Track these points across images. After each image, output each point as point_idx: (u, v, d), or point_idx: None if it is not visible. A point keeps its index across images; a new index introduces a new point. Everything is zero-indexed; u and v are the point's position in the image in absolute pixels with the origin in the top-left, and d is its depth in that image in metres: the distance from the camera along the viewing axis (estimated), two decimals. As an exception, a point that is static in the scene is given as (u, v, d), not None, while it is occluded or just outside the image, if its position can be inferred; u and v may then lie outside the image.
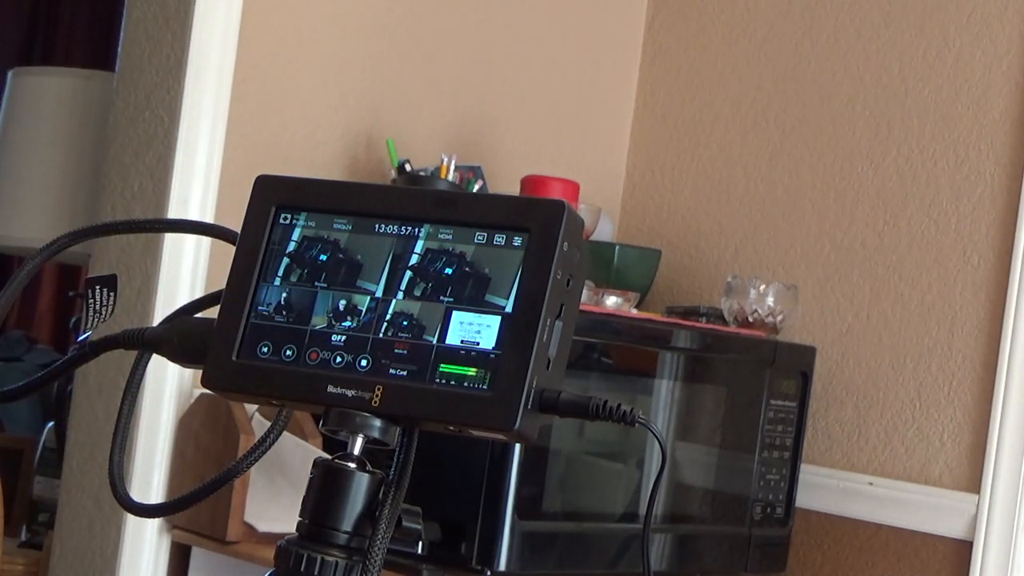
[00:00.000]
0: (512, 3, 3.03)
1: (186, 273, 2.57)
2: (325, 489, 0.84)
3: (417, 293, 0.84)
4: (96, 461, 2.65)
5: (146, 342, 0.92)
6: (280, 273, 0.86)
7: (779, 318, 2.71)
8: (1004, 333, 2.63)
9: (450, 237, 0.85)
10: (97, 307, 0.97)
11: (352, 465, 0.84)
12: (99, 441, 2.64)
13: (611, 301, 2.60)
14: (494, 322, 0.82)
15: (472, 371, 0.81)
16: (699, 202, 3.11)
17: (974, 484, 2.65)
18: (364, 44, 2.80)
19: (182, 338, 0.90)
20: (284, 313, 0.86)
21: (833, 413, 2.84)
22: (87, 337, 0.96)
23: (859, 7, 2.92)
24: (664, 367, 2.55)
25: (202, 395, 2.55)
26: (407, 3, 2.86)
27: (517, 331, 0.81)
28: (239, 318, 0.86)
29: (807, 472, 2.76)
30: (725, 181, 3.08)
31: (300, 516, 0.85)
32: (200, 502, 0.96)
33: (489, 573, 2.26)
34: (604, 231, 2.96)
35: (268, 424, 0.98)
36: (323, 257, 0.86)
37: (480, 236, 0.84)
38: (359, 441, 0.84)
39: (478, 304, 0.83)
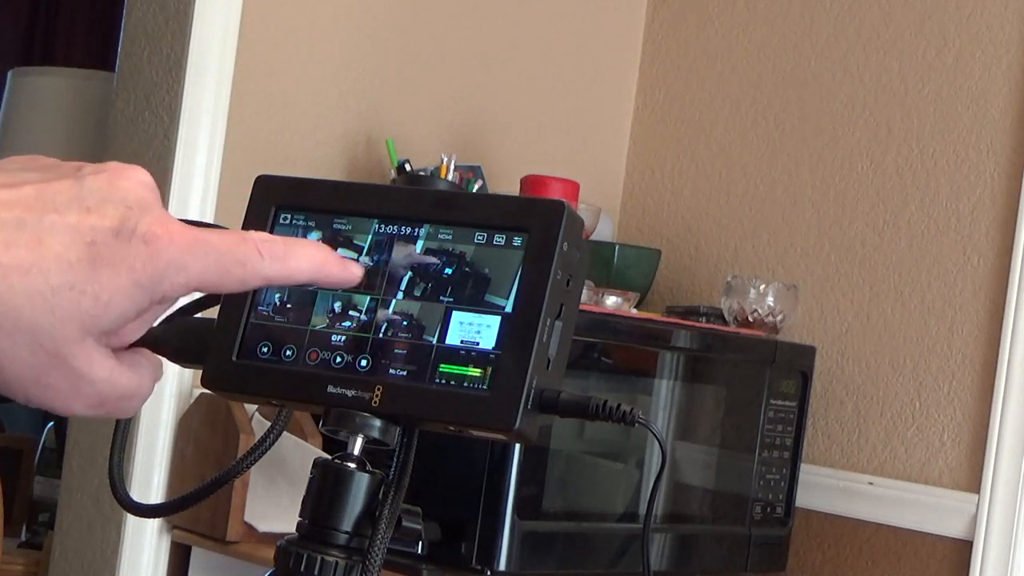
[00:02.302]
0: (512, 3, 3.03)
1: (186, 273, 2.57)
2: (325, 489, 0.84)
3: (417, 293, 0.84)
4: (96, 461, 2.65)
5: (145, 342, 0.92)
6: None
7: (779, 318, 2.71)
8: (1004, 333, 2.63)
9: (450, 237, 0.84)
10: (97, 307, 0.96)
11: (352, 465, 0.84)
12: (99, 441, 2.65)
13: (611, 301, 2.60)
14: (494, 322, 0.82)
15: (472, 371, 0.81)
16: (699, 202, 3.11)
17: (974, 484, 2.65)
18: (364, 44, 2.80)
19: (182, 338, 0.90)
20: (284, 313, 0.86)
21: (833, 413, 2.84)
22: (87, 337, 0.95)
23: (859, 7, 2.92)
24: (664, 367, 2.55)
25: (202, 395, 2.55)
26: (407, 3, 2.86)
27: (517, 331, 0.81)
28: (239, 318, 0.86)
29: (807, 472, 2.76)
30: (725, 181, 3.08)
31: (300, 516, 0.85)
32: (200, 502, 0.96)
33: (489, 573, 2.26)
34: (604, 231, 2.96)
35: (268, 424, 0.98)
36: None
37: (480, 236, 0.84)
38: (359, 441, 0.84)
39: (478, 304, 0.83)
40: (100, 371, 0.63)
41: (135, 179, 0.64)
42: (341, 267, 0.68)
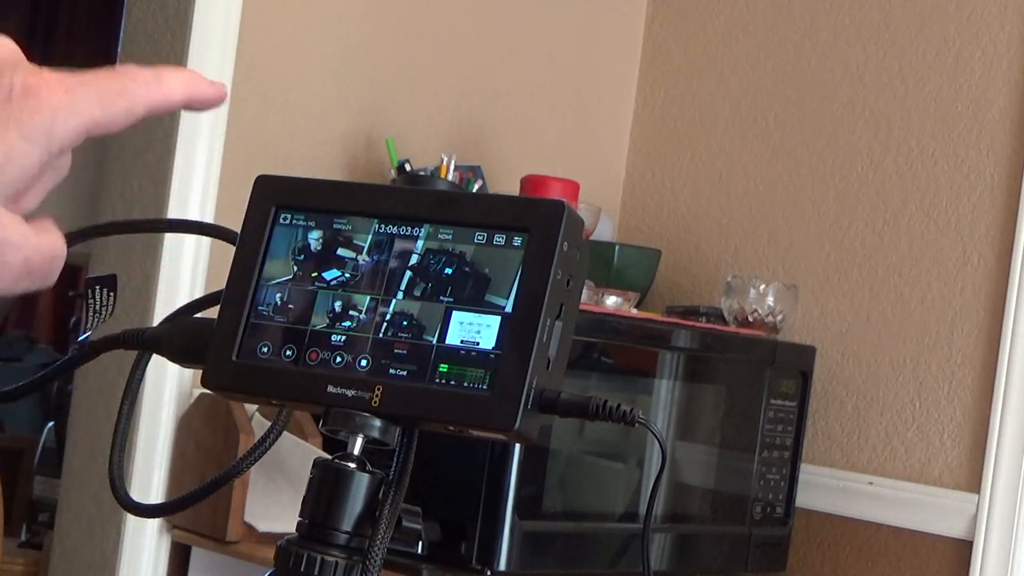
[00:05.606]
0: (512, 3, 3.03)
1: (186, 273, 2.57)
2: (325, 489, 0.84)
3: (417, 293, 0.84)
4: (96, 461, 2.65)
5: (146, 342, 0.92)
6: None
7: (779, 318, 2.71)
8: (1004, 333, 2.63)
9: (450, 237, 0.84)
10: (97, 307, 0.97)
11: (352, 465, 0.84)
12: (99, 441, 2.65)
13: (611, 301, 2.60)
14: (494, 322, 0.82)
15: (472, 371, 0.81)
16: (699, 202, 3.11)
17: (974, 484, 2.65)
18: (364, 44, 2.80)
19: (182, 338, 0.90)
20: (284, 313, 0.86)
21: (833, 413, 2.84)
22: (87, 337, 0.96)
23: (859, 7, 2.92)
24: (664, 367, 2.55)
25: (202, 395, 2.55)
26: (407, 3, 2.86)
27: (517, 331, 0.81)
28: (239, 318, 0.86)
29: (807, 472, 2.76)
30: (725, 181, 3.08)
31: (300, 516, 0.85)
32: (200, 502, 0.96)
33: (489, 573, 2.26)
34: (604, 231, 2.96)
35: (268, 424, 0.98)
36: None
37: (480, 236, 0.84)
38: (359, 441, 0.84)
39: (478, 304, 0.83)
40: (17, 233, 0.63)
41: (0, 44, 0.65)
42: (209, 85, 0.70)
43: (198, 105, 0.71)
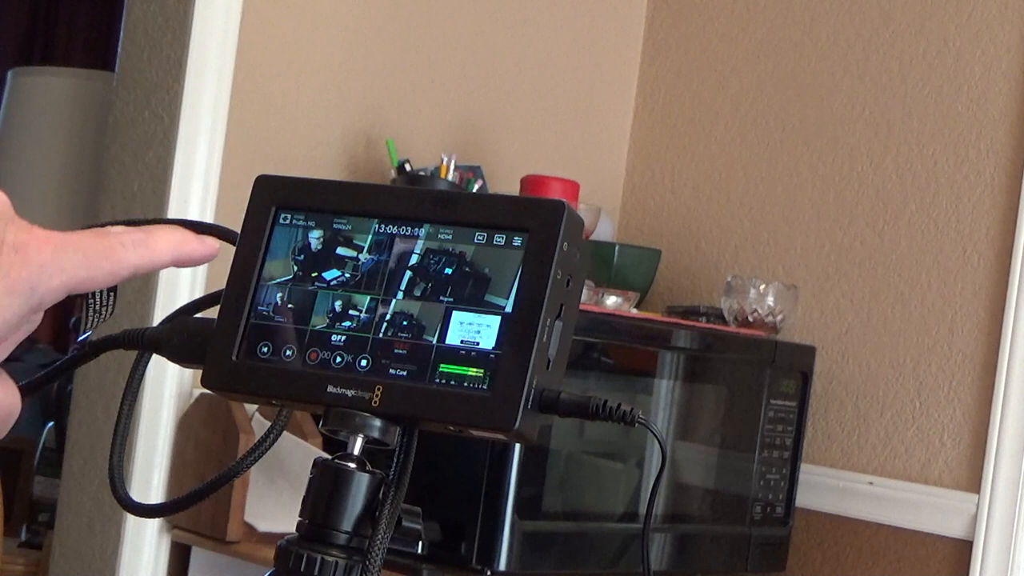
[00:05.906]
0: (512, 3, 3.03)
1: (186, 273, 2.57)
2: (325, 489, 0.84)
3: (417, 293, 0.84)
4: (96, 461, 2.65)
5: (146, 342, 0.92)
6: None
7: (779, 318, 2.71)
8: (1004, 333, 2.63)
9: (450, 237, 0.84)
10: (97, 307, 0.96)
11: (352, 465, 0.84)
12: (99, 441, 2.65)
13: (611, 301, 2.60)
14: (494, 322, 0.82)
15: (472, 371, 0.81)
16: (699, 202, 3.11)
17: (974, 484, 2.65)
18: (364, 44, 2.80)
19: (182, 338, 0.90)
20: (284, 313, 0.86)
21: (833, 413, 2.84)
22: (87, 337, 0.95)
23: (859, 7, 2.92)
24: (664, 367, 2.55)
25: (202, 395, 2.55)
26: (407, 3, 2.86)
27: (517, 331, 0.81)
28: (239, 318, 0.86)
29: (807, 472, 2.76)
30: (725, 181, 3.08)
31: (300, 516, 0.85)
32: (200, 502, 0.96)
33: (489, 573, 2.26)
34: (604, 231, 2.96)
35: (268, 424, 0.98)
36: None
37: (480, 236, 0.84)
38: (359, 441, 0.84)
39: (478, 304, 0.83)
40: None
41: None
42: (199, 244, 0.71)
43: (187, 263, 0.72)
